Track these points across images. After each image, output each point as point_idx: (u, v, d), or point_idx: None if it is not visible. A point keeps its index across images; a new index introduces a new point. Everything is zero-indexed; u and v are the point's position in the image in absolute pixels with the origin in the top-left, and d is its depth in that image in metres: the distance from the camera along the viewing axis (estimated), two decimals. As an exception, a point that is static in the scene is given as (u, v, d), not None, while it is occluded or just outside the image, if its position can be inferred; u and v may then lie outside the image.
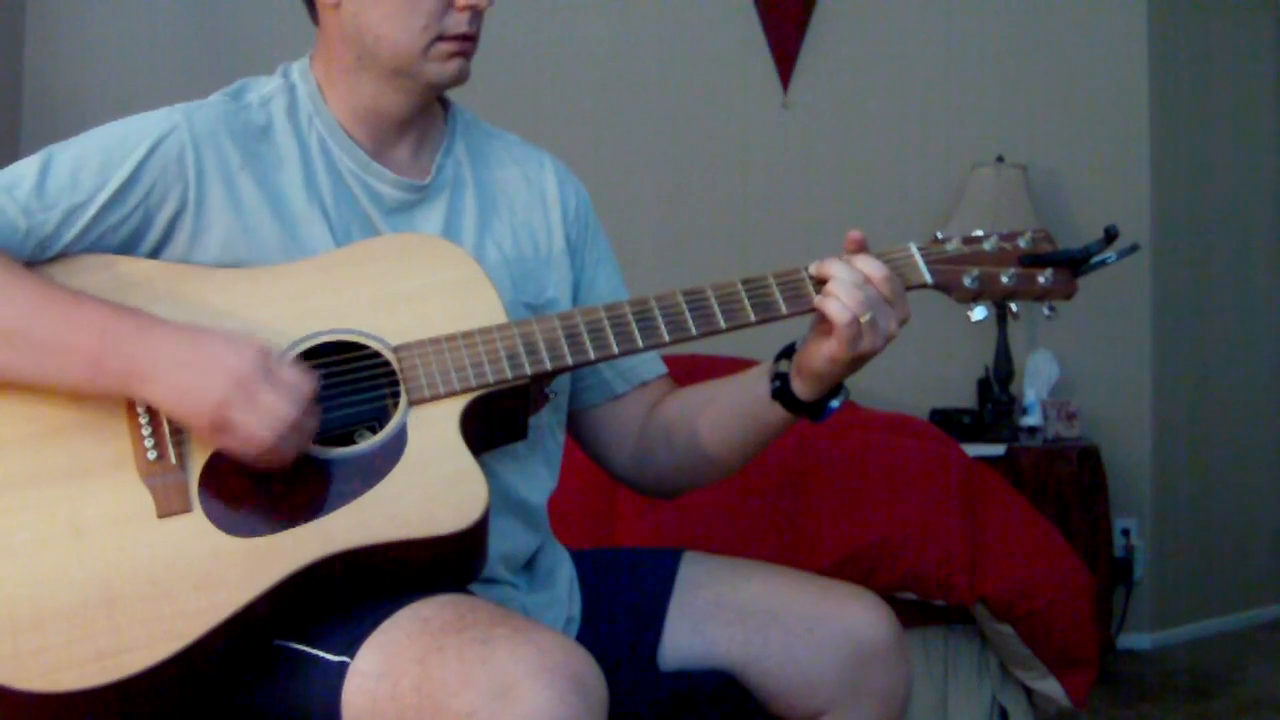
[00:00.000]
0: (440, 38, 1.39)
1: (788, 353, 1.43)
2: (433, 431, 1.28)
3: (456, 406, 1.30)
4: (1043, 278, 1.42)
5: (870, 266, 1.35)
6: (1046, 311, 1.45)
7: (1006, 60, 3.91)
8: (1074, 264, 1.42)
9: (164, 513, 1.22)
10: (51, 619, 1.17)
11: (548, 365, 1.33)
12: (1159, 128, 3.83)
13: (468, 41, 1.40)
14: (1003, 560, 2.34)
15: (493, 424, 1.35)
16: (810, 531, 2.33)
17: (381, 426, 1.29)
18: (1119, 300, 3.73)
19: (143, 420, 1.25)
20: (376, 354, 1.31)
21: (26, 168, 1.30)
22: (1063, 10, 3.90)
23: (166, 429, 1.25)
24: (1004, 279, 1.41)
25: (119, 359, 1.22)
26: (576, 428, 1.58)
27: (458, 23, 1.39)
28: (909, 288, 1.39)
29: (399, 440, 1.27)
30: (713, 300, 1.37)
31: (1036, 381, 3.70)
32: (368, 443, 1.28)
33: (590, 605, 1.54)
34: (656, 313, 1.36)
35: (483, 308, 1.34)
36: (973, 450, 2.94)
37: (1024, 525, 2.43)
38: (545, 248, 1.52)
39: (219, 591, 1.19)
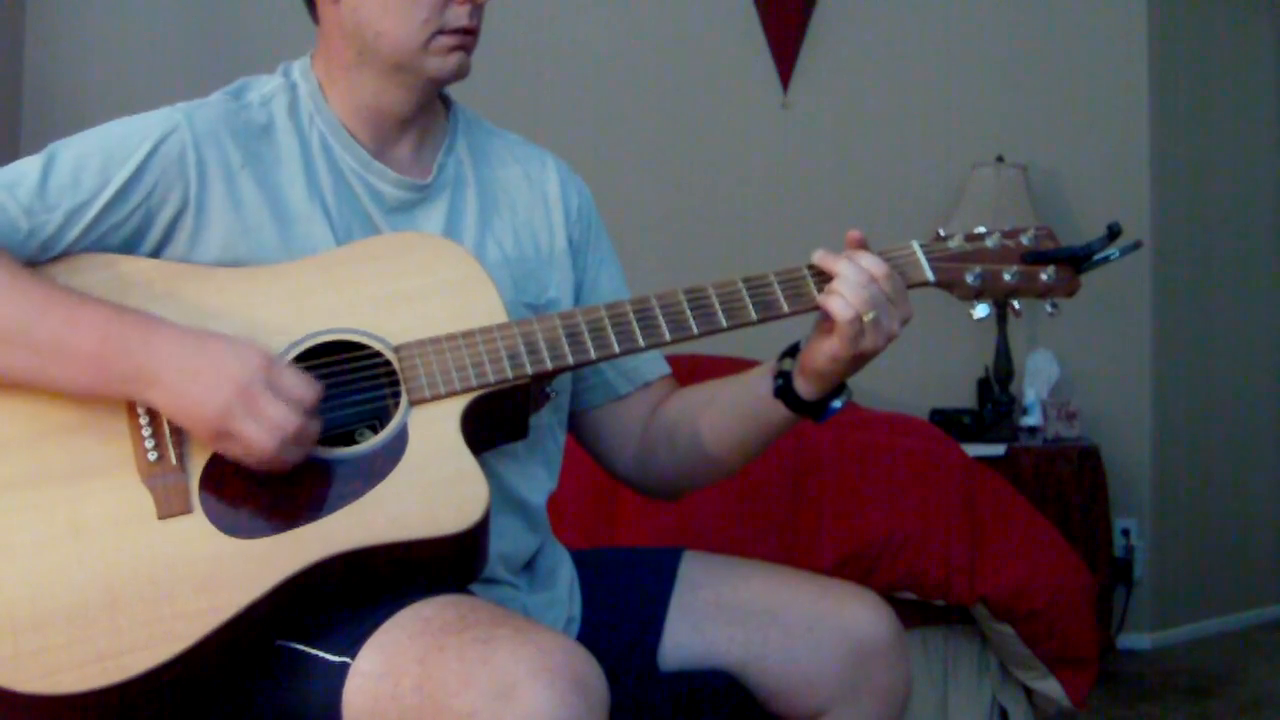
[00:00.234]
0: (440, 32, 1.38)
1: (792, 352, 1.42)
2: (433, 431, 1.28)
3: (457, 406, 1.29)
4: (1045, 275, 1.42)
5: (873, 264, 1.35)
6: (1049, 309, 1.44)
7: (1006, 60, 3.91)
8: (1077, 261, 1.42)
9: (164, 514, 1.22)
10: (52, 620, 1.16)
11: (548, 365, 1.33)
12: (1159, 128, 3.82)
13: (468, 35, 1.40)
14: (1003, 560, 2.34)
15: (493, 424, 1.35)
16: (810, 531, 2.33)
17: (382, 426, 1.29)
18: (1119, 300, 3.72)
19: (143, 421, 1.25)
20: (377, 353, 1.31)
21: (29, 166, 1.29)
22: (1063, 10, 3.89)
23: (167, 430, 1.24)
24: (1007, 276, 1.41)
25: (121, 363, 1.21)
26: (579, 428, 1.58)
27: (458, 16, 1.39)
28: (911, 286, 1.39)
29: (400, 440, 1.27)
30: (714, 299, 1.37)
31: (1036, 381, 3.69)
32: (368, 443, 1.28)
33: (590, 605, 1.53)
34: (658, 312, 1.36)
35: (483, 307, 1.33)
36: (973, 450, 2.94)
37: (1024, 525, 2.43)
38: (547, 248, 1.51)
39: (220, 593, 1.19)
